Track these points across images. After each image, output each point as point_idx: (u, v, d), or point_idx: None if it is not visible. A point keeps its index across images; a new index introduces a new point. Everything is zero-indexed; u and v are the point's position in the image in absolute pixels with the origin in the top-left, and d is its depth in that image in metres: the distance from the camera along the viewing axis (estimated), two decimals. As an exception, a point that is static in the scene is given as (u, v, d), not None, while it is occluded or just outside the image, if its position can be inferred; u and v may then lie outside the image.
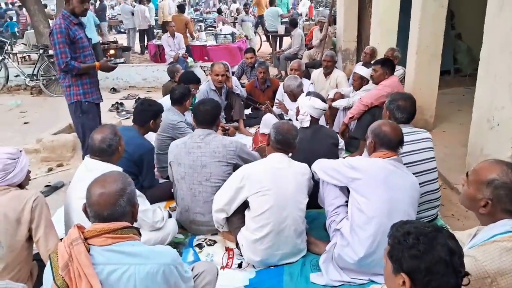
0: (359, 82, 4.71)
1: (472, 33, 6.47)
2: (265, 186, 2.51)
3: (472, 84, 3.68)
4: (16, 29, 16.40)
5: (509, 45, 3.00)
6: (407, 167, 2.61)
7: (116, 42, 10.71)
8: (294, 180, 2.58)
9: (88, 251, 1.46)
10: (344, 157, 3.08)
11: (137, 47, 13.16)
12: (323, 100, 3.30)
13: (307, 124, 3.24)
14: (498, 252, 1.51)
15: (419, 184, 2.74)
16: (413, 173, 2.60)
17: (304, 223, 2.69)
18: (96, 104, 3.87)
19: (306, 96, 3.33)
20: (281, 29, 10.58)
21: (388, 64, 4.29)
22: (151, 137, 3.81)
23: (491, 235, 1.57)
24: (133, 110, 6.06)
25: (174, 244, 2.91)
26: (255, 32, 12.82)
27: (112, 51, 9.39)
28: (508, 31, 3.01)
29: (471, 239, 1.71)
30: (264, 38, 12.83)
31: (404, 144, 2.80)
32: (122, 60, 4.51)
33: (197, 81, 4.90)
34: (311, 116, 3.23)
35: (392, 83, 4.20)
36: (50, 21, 9.03)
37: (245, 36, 10.33)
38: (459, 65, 7.96)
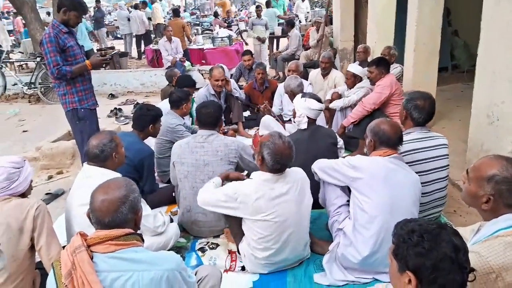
0: (352, 80, 4.74)
1: (468, 30, 6.49)
2: (264, 212, 2.37)
3: (470, 80, 3.69)
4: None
5: (507, 40, 3.00)
6: (419, 175, 2.54)
7: (113, 48, 10.73)
8: (294, 198, 2.44)
9: (91, 259, 1.45)
10: (344, 157, 3.06)
11: (134, 52, 13.17)
12: (319, 100, 3.26)
13: (304, 126, 3.20)
14: (502, 247, 1.50)
15: (427, 192, 2.75)
16: (424, 182, 2.56)
17: (307, 232, 2.64)
18: (92, 110, 3.88)
19: (301, 97, 3.29)
20: (278, 31, 10.59)
21: (383, 63, 4.31)
22: (150, 142, 3.81)
23: (494, 230, 1.57)
24: (131, 115, 6.05)
25: (177, 248, 2.91)
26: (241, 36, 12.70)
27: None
28: (506, 25, 3.01)
29: (474, 235, 1.71)
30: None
31: (419, 151, 2.76)
32: (111, 53, 4.40)
33: (193, 85, 4.89)
34: (308, 117, 3.21)
35: (391, 82, 4.22)
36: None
37: (257, 37, 9.77)
38: (457, 61, 7.96)
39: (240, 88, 5.90)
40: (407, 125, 2.91)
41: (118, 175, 2.24)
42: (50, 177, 4.53)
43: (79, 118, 3.74)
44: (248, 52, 6.74)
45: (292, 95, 4.34)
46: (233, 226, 2.66)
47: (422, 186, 2.50)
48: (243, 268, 2.70)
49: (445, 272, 1.20)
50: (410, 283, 1.25)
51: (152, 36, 13.22)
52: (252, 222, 2.44)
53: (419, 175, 2.56)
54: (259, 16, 10.13)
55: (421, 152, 2.78)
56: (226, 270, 2.68)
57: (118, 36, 19.53)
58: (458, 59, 7.93)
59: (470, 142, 3.67)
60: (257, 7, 10.86)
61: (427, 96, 2.89)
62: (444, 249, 1.21)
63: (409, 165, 2.64)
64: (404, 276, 1.26)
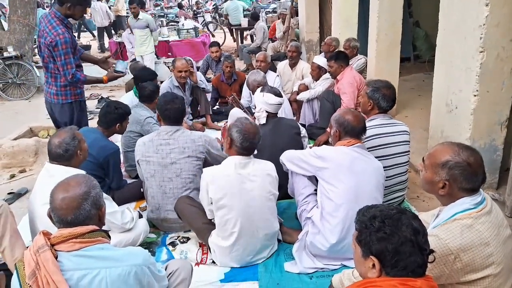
0: (317, 72, 4.83)
1: (429, 20, 6.69)
2: (227, 194, 2.42)
3: (431, 69, 3.80)
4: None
5: (463, 31, 3.11)
6: (379, 160, 2.62)
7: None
8: (259, 185, 2.48)
9: (56, 258, 1.42)
10: (310, 146, 3.11)
11: (106, 45, 12.78)
12: (278, 94, 3.23)
13: (263, 121, 3.18)
14: (459, 230, 1.58)
15: (389, 176, 2.82)
16: (384, 167, 2.63)
17: (277, 223, 2.65)
18: None
19: (260, 92, 3.28)
20: (244, 22, 10.56)
21: (341, 57, 4.42)
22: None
23: (452, 214, 1.64)
24: (96, 110, 5.90)
25: (147, 244, 2.88)
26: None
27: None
28: (461, 17, 3.13)
29: (434, 219, 1.79)
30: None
31: (382, 136, 2.85)
32: (123, 68, 3.73)
33: (154, 77, 4.77)
34: (267, 111, 3.20)
35: (355, 75, 4.35)
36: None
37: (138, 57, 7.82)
38: (418, 51, 8.19)
39: (208, 81, 5.85)
40: (371, 114, 2.99)
41: (83, 172, 2.19)
42: (12, 176, 4.36)
43: (81, 109, 3.65)
44: (216, 44, 6.68)
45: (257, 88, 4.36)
46: (198, 223, 2.68)
47: (384, 170, 2.59)
48: (214, 261, 2.71)
49: (407, 254, 1.25)
50: (374, 268, 1.29)
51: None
52: (216, 208, 2.48)
53: (381, 159, 2.65)
54: (135, 16, 7.54)
55: (384, 137, 2.88)
56: (197, 263, 2.67)
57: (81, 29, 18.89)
58: (419, 49, 8.17)
59: (431, 129, 3.80)
60: (131, 2, 7.65)
61: (389, 85, 3.03)
62: (405, 233, 1.26)
63: (373, 150, 2.75)
64: (368, 261, 1.31)
